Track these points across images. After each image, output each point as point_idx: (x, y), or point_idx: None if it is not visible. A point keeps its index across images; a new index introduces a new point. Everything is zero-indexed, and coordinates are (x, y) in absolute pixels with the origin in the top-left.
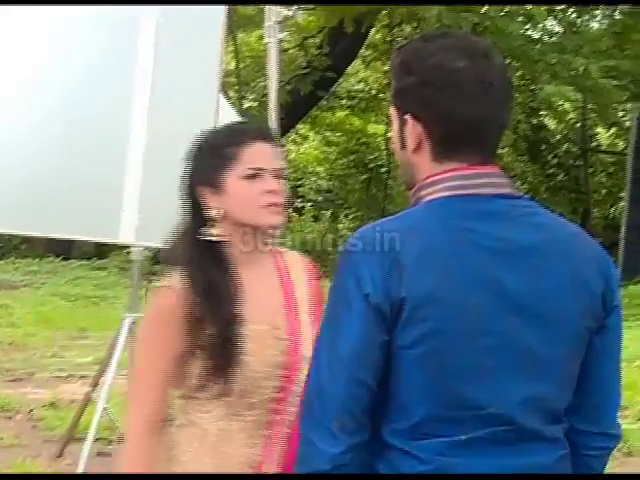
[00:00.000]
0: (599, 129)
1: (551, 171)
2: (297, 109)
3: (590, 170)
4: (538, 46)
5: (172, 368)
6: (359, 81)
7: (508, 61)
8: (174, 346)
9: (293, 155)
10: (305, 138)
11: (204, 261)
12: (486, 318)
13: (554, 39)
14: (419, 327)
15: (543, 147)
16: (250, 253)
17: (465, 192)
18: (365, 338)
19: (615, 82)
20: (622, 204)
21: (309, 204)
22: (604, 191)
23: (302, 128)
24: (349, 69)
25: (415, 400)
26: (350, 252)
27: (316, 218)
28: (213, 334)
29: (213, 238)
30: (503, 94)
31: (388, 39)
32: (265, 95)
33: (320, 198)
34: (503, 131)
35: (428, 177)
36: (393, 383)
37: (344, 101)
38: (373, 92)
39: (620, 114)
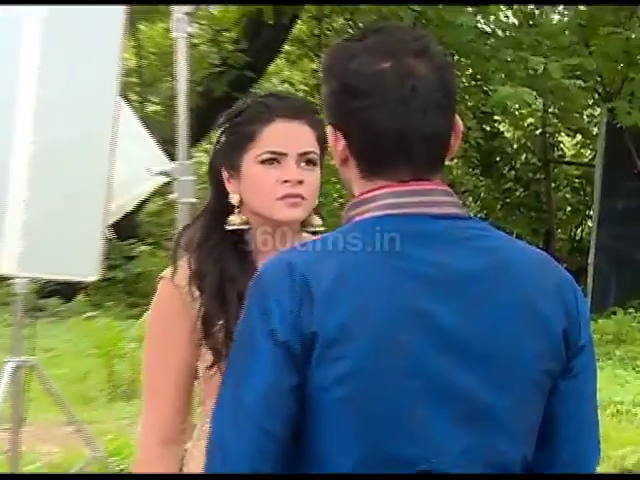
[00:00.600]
0: (562, 137)
1: (507, 186)
2: (210, 114)
3: (553, 184)
4: (490, 41)
5: (185, 372)
6: (282, 81)
7: (456, 59)
8: (184, 348)
9: (205, 168)
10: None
11: (222, 253)
12: (414, 357)
13: (509, 33)
14: (335, 367)
15: (498, 158)
16: (275, 245)
17: (399, 211)
18: (272, 382)
19: (580, 83)
20: (590, 224)
21: None
22: (569, 209)
23: (216, 136)
24: (270, 67)
25: (338, 452)
26: (257, 281)
27: None
28: (224, 335)
29: (235, 227)
30: (433, 100)
31: (316, 32)
32: (172, 98)
33: None
34: (440, 143)
35: (359, 195)
36: (311, 432)
37: None
38: (299, 94)
39: (586, 119)
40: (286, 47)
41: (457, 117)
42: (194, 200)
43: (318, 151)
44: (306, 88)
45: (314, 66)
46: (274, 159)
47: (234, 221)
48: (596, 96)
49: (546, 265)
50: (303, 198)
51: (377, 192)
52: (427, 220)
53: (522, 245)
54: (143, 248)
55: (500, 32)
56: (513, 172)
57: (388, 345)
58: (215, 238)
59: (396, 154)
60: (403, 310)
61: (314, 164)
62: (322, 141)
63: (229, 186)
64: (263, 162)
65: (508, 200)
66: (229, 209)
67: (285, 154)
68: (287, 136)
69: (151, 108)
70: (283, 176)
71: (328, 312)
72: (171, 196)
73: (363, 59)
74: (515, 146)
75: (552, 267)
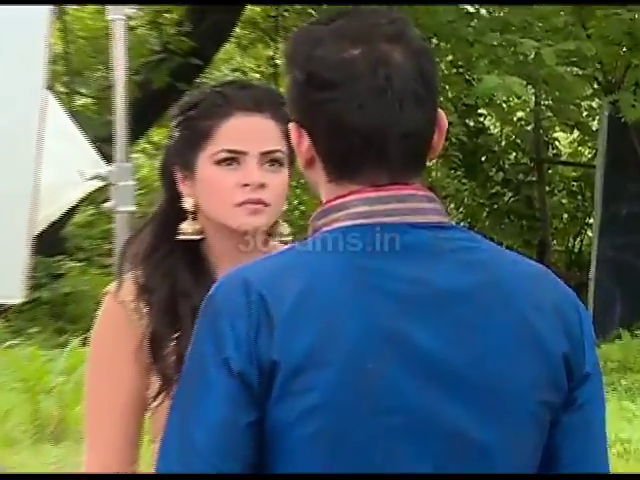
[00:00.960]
0: (558, 133)
1: (495, 190)
2: (149, 108)
3: (547, 188)
4: (474, 22)
5: (133, 403)
6: (234, 70)
7: (434, 43)
8: (131, 375)
9: (145, 171)
10: (160, 148)
11: (173, 265)
12: (391, 389)
13: (495, 13)
14: (302, 399)
15: (483, 158)
16: (235, 258)
17: (372, 221)
18: (226, 418)
19: (577, 70)
20: (590, 233)
21: None
22: (566, 216)
23: (156, 134)
24: (219, 54)
25: None
26: (209, 301)
27: None
28: (176, 359)
29: (188, 236)
30: (410, 91)
31: (272, 14)
32: (104, 89)
33: None
34: (419, 141)
35: (326, 202)
36: (274, 472)
37: None
38: None
39: (584, 113)
40: (237, 30)
41: (440, 111)
42: (133, 208)
43: (285, 149)
44: (260, 77)
45: (270, 52)
46: (232, 159)
47: (187, 229)
48: (596, 86)
49: (543, 279)
50: (265, 204)
51: (347, 198)
52: (404, 230)
53: (515, 257)
54: (72, 265)
55: (485, 12)
56: (501, 174)
57: (361, 374)
58: (165, 248)
59: (369, 154)
60: (378, 334)
61: (280, 164)
62: (290, 137)
63: (183, 188)
64: (220, 162)
65: (495, 206)
66: (182, 215)
67: (245, 153)
68: (247, 132)
69: (80, 101)
70: (242, 179)
71: (291, 337)
72: (106, 204)
73: (330, 45)
74: (503, 144)
75: (550, 282)
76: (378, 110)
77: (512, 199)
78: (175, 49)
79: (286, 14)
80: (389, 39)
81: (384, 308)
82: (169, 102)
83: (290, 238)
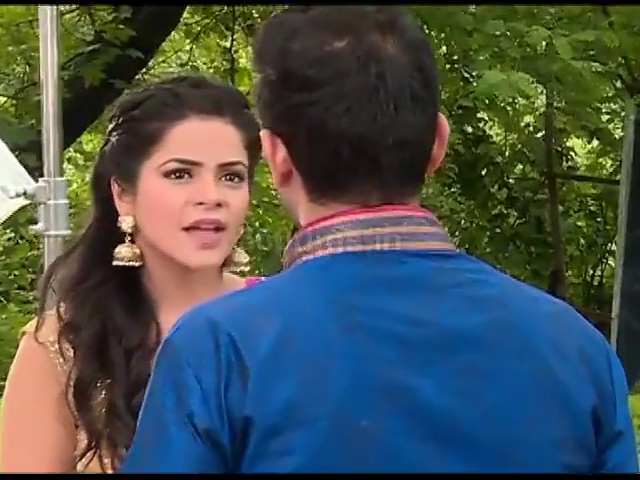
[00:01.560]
0: (573, 141)
1: (497, 210)
2: (79, 110)
3: (561, 208)
4: (473, 8)
5: (56, 466)
6: (182, 65)
7: (425, 32)
8: (54, 430)
9: (74, 187)
10: (92, 159)
11: (105, 297)
12: (388, 451)
13: None
14: (279, 464)
15: (484, 171)
16: (180, 291)
17: (363, 248)
18: None
19: (597, 66)
20: (612, 262)
21: None
22: (583, 242)
23: (89, 141)
24: (164, 45)
25: None
26: (168, 346)
27: None
28: (107, 410)
29: (124, 262)
30: (407, 91)
31: None
32: (27, 87)
33: None
34: (417, 151)
35: (306, 226)
36: None
37: None
38: None
39: (605, 117)
40: (186, 17)
41: (441, 115)
42: (67, 232)
43: (246, 161)
44: (215, 74)
45: (227, 44)
46: (184, 170)
47: (124, 254)
48: (619, 85)
49: (566, 319)
50: (222, 229)
51: (332, 221)
52: (400, 259)
53: (532, 292)
54: None
55: None
56: (505, 191)
57: (352, 434)
58: (96, 276)
59: (358, 167)
60: (372, 385)
61: (240, 179)
62: (252, 147)
63: (120, 205)
64: (168, 174)
65: (498, 230)
66: (118, 237)
67: (199, 164)
68: (203, 139)
69: None
70: (196, 195)
71: (267, 389)
72: (34, 227)
73: (309, 37)
74: (507, 154)
75: (574, 322)
76: (369, 114)
77: (518, 221)
78: (111, 39)
79: None
80: (380, 28)
81: (379, 354)
82: (103, 103)
83: (247, 268)
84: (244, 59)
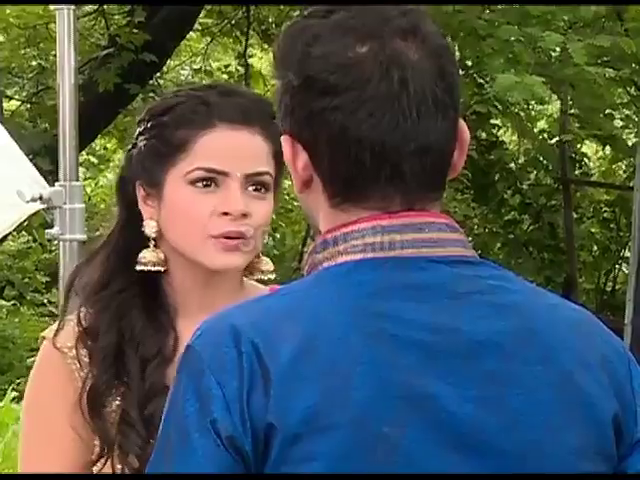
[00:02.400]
0: (587, 147)
1: (511, 216)
2: (94, 115)
3: (575, 215)
4: (486, 13)
5: (74, 464)
6: (197, 70)
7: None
8: (70, 437)
9: (89, 190)
10: (108, 161)
11: (126, 304)
12: (410, 459)
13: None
14: (303, 470)
15: (497, 177)
16: (203, 299)
17: (385, 254)
18: None
19: (611, 72)
20: (626, 269)
21: None
22: (596, 248)
23: (104, 145)
24: (180, 49)
25: None
26: (190, 353)
27: None
28: (120, 418)
29: (148, 267)
30: (430, 98)
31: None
32: (42, 91)
33: None
34: (439, 158)
35: (327, 232)
36: None
37: None
38: None
39: (618, 123)
40: (202, 20)
41: (461, 122)
42: (84, 237)
43: (273, 171)
44: (229, 78)
45: (240, 48)
46: (211, 179)
47: (147, 259)
48: (634, 91)
49: (588, 328)
50: (247, 238)
51: (354, 227)
52: (424, 266)
53: (553, 300)
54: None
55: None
56: (518, 197)
57: (373, 441)
58: (119, 283)
59: (380, 173)
60: (395, 392)
61: (266, 189)
62: (280, 157)
63: (145, 209)
64: (194, 182)
65: (511, 235)
66: (142, 242)
67: (226, 174)
68: (231, 149)
69: (10, 106)
70: (222, 205)
71: (290, 396)
72: (50, 231)
73: (331, 42)
74: (521, 160)
75: (596, 330)
76: (391, 120)
77: (532, 227)
78: (125, 43)
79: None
80: (403, 34)
81: (401, 362)
82: (117, 107)
83: (273, 276)
84: (258, 64)
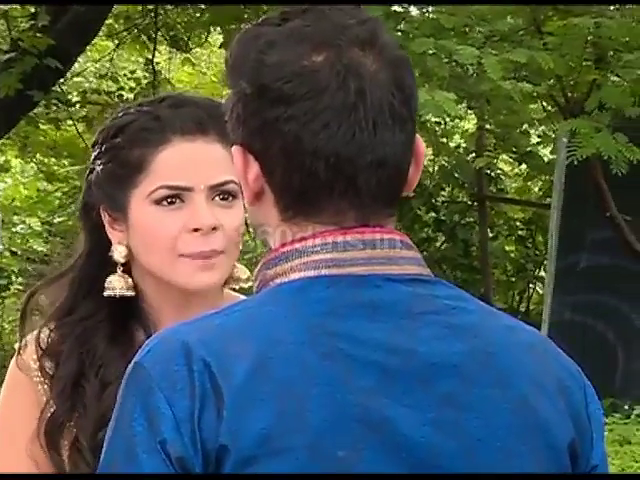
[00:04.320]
0: (503, 164)
1: (424, 233)
2: None
3: (490, 233)
4: (401, 25)
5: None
6: (103, 75)
7: None
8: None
9: None
10: (7, 170)
11: (92, 331)
12: None
13: (427, 14)
14: None
15: (411, 194)
16: (182, 318)
17: (339, 272)
18: None
19: (528, 87)
20: (540, 289)
21: (17, 279)
22: (510, 267)
23: (3, 151)
24: (85, 55)
25: None
26: (139, 371)
27: None
28: (76, 450)
29: (117, 293)
30: (387, 109)
31: (151, 7)
32: None
33: (32, 269)
34: (395, 172)
35: (279, 247)
36: None
37: (76, 108)
38: (129, 94)
39: (534, 140)
40: (111, 23)
41: (417, 135)
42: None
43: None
44: (137, 86)
45: (148, 55)
46: (175, 196)
47: (113, 284)
48: (550, 108)
49: (544, 350)
50: (220, 252)
51: (307, 243)
52: (380, 284)
53: (509, 321)
54: None
55: (416, 11)
56: (432, 214)
57: (328, 465)
58: (83, 309)
59: (334, 186)
60: (350, 415)
61: (234, 197)
62: None
63: (113, 234)
64: (159, 202)
65: (425, 253)
66: (109, 267)
67: (190, 189)
68: (190, 162)
69: None
70: (191, 222)
71: (244, 417)
72: None
73: (286, 50)
74: (436, 177)
75: (552, 353)
76: (347, 131)
77: (444, 245)
78: (28, 47)
79: (169, 7)
80: (360, 44)
81: (358, 383)
82: (18, 115)
83: (248, 284)
84: (166, 70)
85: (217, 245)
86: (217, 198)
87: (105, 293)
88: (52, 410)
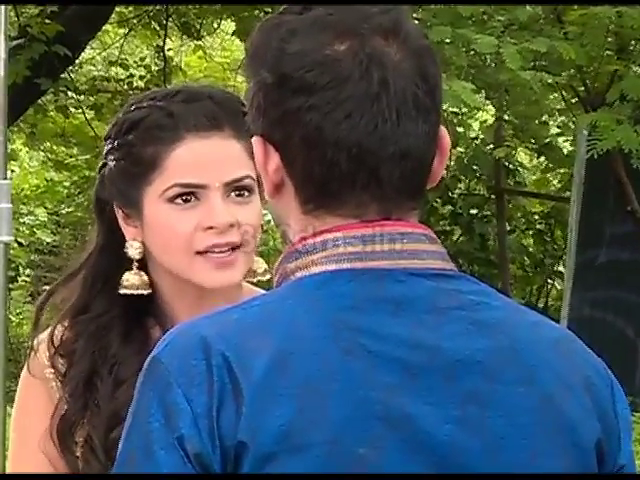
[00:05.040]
0: (522, 156)
1: (441, 226)
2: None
3: (508, 227)
4: (418, 13)
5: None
6: (112, 63)
7: None
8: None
9: None
10: (15, 159)
11: (105, 329)
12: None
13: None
14: None
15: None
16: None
17: (360, 265)
18: None
19: (547, 77)
20: (559, 285)
21: (24, 271)
22: (528, 262)
23: (11, 141)
24: (94, 42)
25: None
26: (157, 365)
27: (34, 296)
28: (89, 449)
29: (132, 291)
30: (411, 100)
31: None
32: None
33: (40, 260)
34: (419, 164)
35: (300, 240)
36: None
37: (85, 96)
38: (139, 82)
39: (555, 130)
40: (121, 10)
41: (442, 127)
42: (10, 238)
43: (254, 172)
44: (149, 73)
45: (159, 42)
46: (190, 194)
47: (130, 282)
48: (569, 97)
49: (570, 347)
50: (238, 247)
51: (328, 236)
52: (403, 278)
53: (535, 318)
54: None
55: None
56: (448, 207)
57: (349, 462)
58: (98, 307)
59: (356, 178)
60: (372, 412)
61: (250, 192)
62: None
63: (127, 230)
64: (173, 200)
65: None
66: (124, 263)
67: (205, 186)
68: (204, 159)
69: None
70: (205, 220)
71: (263, 413)
72: None
73: (308, 39)
74: (452, 170)
75: (578, 350)
76: (369, 121)
77: (461, 238)
78: (37, 35)
79: None
80: (383, 33)
81: (380, 379)
82: (27, 103)
83: (266, 277)
84: (177, 57)
85: (235, 240)
86: (233, 194)
87: (121, 291)
88: (65, 408)
